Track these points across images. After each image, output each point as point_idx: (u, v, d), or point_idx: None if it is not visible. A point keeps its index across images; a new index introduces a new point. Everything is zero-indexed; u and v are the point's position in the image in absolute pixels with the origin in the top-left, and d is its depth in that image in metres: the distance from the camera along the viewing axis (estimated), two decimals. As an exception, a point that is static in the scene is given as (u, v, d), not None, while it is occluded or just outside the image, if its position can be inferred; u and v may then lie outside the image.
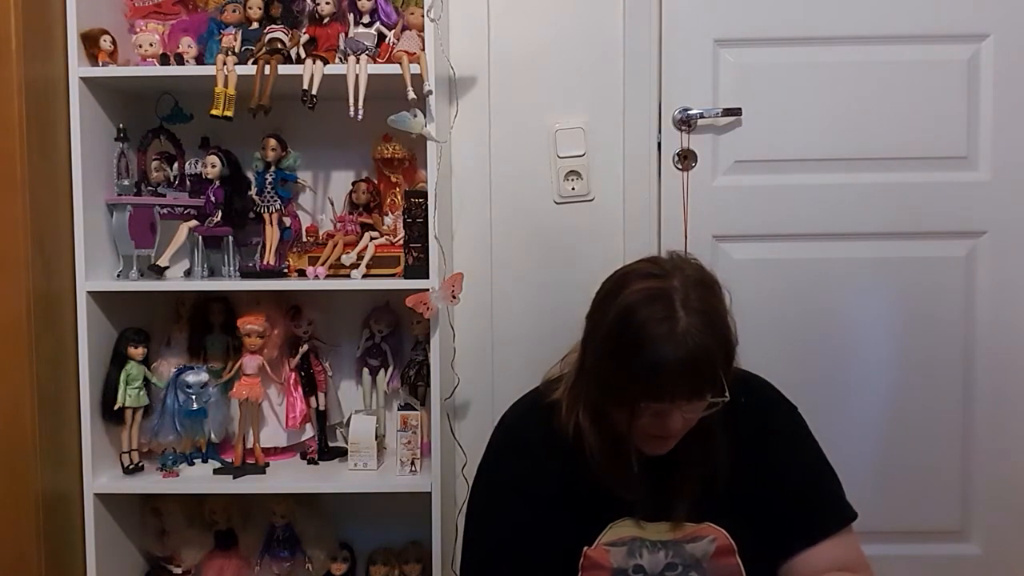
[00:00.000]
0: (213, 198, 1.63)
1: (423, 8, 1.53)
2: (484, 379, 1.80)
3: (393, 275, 1.62)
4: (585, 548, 1.14)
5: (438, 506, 1.55)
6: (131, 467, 1.61)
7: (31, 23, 1.43)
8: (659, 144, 1.76)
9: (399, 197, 1.70)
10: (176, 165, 1.73)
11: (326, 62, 1.53)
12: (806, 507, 1.15)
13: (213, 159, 1.62)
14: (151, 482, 1.61)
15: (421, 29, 1.55)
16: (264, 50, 1.54)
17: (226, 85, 1.51)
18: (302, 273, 1.64)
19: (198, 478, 1.63)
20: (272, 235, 1.64)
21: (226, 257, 1.65)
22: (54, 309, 1.51)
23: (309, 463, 1.69)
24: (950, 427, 1.78)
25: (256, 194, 1.65)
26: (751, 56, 1.74)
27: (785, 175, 1.75)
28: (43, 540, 1.46)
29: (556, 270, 1.79)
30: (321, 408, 1.72)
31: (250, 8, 1.59)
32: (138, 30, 1.61)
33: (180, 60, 1.56)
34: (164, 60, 1.56)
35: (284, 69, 1.52)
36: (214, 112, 1.51)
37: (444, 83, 1.69)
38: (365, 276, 1.60)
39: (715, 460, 1.11)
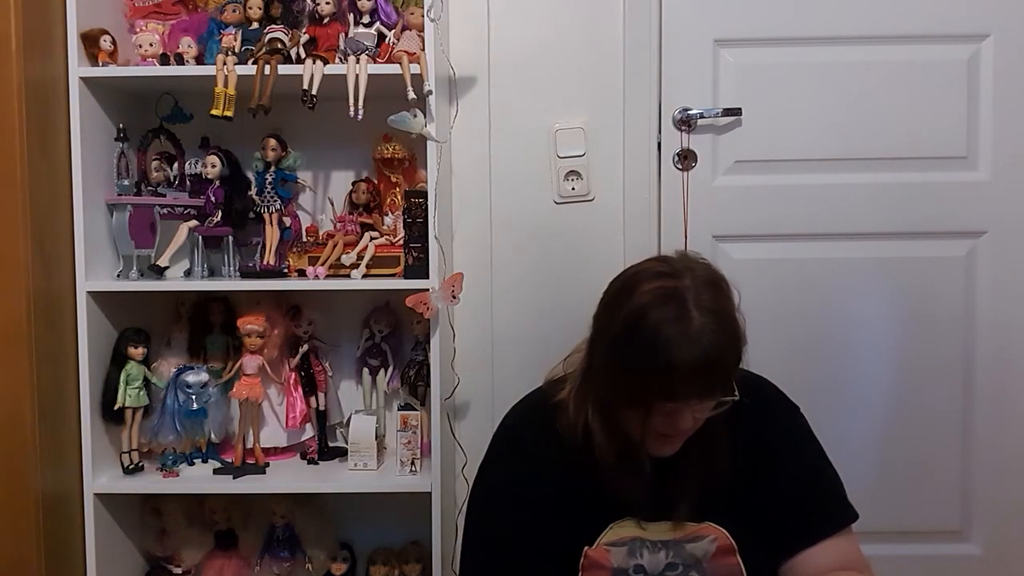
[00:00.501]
0: (213, 198, 1.63)
1: (423, 8, 1.53)
2: (484, 379, 1.80)
3: (393, 275, 1.62)
4: (586, 548, 1.14)
5: (438, 506, 1.56)
6: (131, 467, 1.61)
7: (31, 23, 1.43)
8: (659, 144, 1.76)
9: (399, 197, 1.70)
10: (176, 165, 1.73)
11: (326, 62, 1.53)
12: (807, 507, 1.15)
13: (213, 159, 1.62)
14: (151, 482, 1.61)
15: (421, 29, 1.55)
16: (264, 50, 1.54)
17: (226, 85, 1.51)
18: (302, 273, 1.64)
19: (198, 478, 1.63)
20: (272, 235, 1.64)
21: (226, 257, 1.65)
22: (54, 309, 1.51)
23: (309, 463, 1.69)
24: (950, 427, 1.78)
25: (256, 194, 1.65)
26: (751, 56, 1.74)
27: (785, 175, 1.75)
28: (43, 540, 1.46)
29: (556, 270, 1.79)
30: (321, 408, 1.72)
31: (250, 8, 1.59)
32: (138, 30, 1.61)
33: (180, 60, 1.56)
34: (164, 60, 1.56)
35: (284, 69, 1.52)
36: (214, 112, 1.51)
37: (444, 83, 1.69)
38: (365, 276, 1.60)
39: (717, 460, 1.11)
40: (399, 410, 1.65)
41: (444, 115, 1.70)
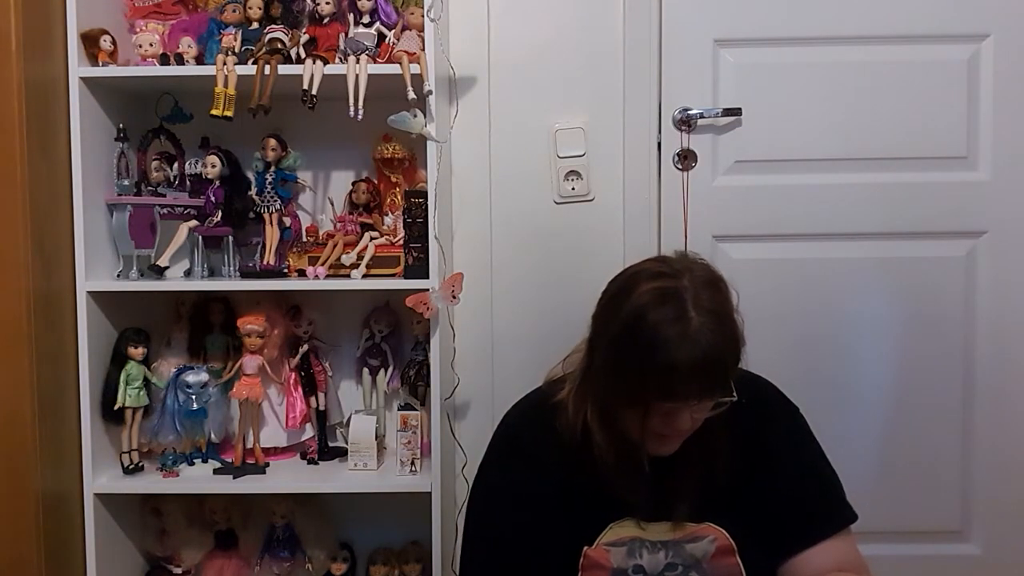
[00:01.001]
0: (213, 198, 1.63)
1: (423, 8, 1.53)
2: (484, 379, 1.80)
3: (393, 275, 1.62)
4: (585, 548, 1.14)
5: (438, 506, 1.56)
6: (131, 467, 1.61)
7: (31, 23, 1.43)
8: (659, 144, 1.76)
9: (399, 197, 1.70)
10: (176, 165, 1.73)
11: (326, 62, 1.53)
12: (806, 508, 1.15)
13: (213, 159, 1.62)
14: (151, 482, 1.61)
15: (421, 29, 1.55)
16: (264, 50, 1.54)
17: (226, 85, 1.51)
18: (302, 273, 1.64)
19: (198, 478, 1.63)
20: (272, 235, 1.64)
21: (226, 257, 1.65)
22: (54, 309, 1.51)
23: (309, 463, 1.69)
24: (950, 427, 1.78)
25: (256, 194, 1.65)
26: (751, 56, 1.74)
27: (785, 175, 1.75)
28: (43, 540, 1.46)
29: (556, 270, 1.79)
30: (321, 408, 1.72)
31: (250, 8, 1.59)
32: (138, 30, 1.61)
33: (180, 60, 1.56)
34: (164, 60, 1.56)
35: (284, 69, 1.52)
36: (214, 112, 1.51)
37: (444, 83, 1.69)
38: (365, 276, 1.60)
39: (716, 460, 1.11)
40: (399, 410, 1.65)
41: (444, 115, 1.70)
